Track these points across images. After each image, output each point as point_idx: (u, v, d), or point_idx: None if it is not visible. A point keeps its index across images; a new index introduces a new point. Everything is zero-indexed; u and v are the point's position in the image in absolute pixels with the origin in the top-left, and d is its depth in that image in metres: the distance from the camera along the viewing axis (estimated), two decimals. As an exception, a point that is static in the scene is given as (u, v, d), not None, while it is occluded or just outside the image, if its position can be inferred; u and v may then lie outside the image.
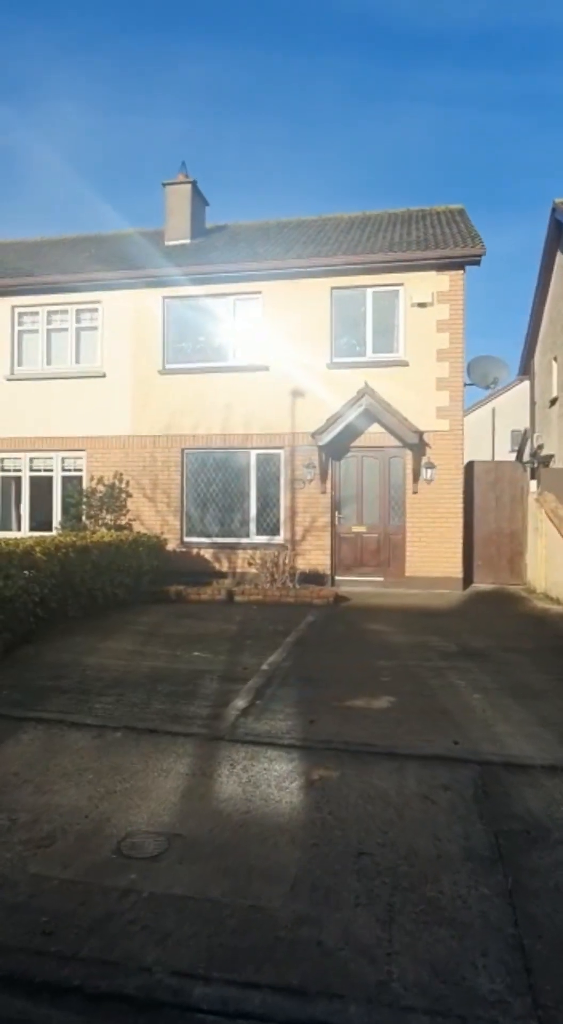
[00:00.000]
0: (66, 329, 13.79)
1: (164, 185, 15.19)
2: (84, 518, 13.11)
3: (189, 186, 15.04)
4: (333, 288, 12.57)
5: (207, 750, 4.27)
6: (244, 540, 12.93)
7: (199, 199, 15.53)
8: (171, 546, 12.94)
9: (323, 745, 4.34)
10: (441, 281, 12.16)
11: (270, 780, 3.82)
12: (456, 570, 12.11)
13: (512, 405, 32.54)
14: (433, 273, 12.18)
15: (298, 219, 16.12)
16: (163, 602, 10.29)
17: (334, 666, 6.42)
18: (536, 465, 14.59)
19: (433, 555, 12.17)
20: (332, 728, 4.67)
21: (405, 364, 12.25)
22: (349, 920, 2.57)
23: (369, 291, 12.50)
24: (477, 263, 12.04)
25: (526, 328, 19.81)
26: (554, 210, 15.81)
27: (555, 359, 16.89)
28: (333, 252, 12.67)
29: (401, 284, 12.32)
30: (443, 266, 12.09)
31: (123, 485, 13.27)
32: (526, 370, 20.73)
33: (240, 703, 5.20)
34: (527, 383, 23.11)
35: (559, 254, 16.52)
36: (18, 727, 4.68)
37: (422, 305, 12.16)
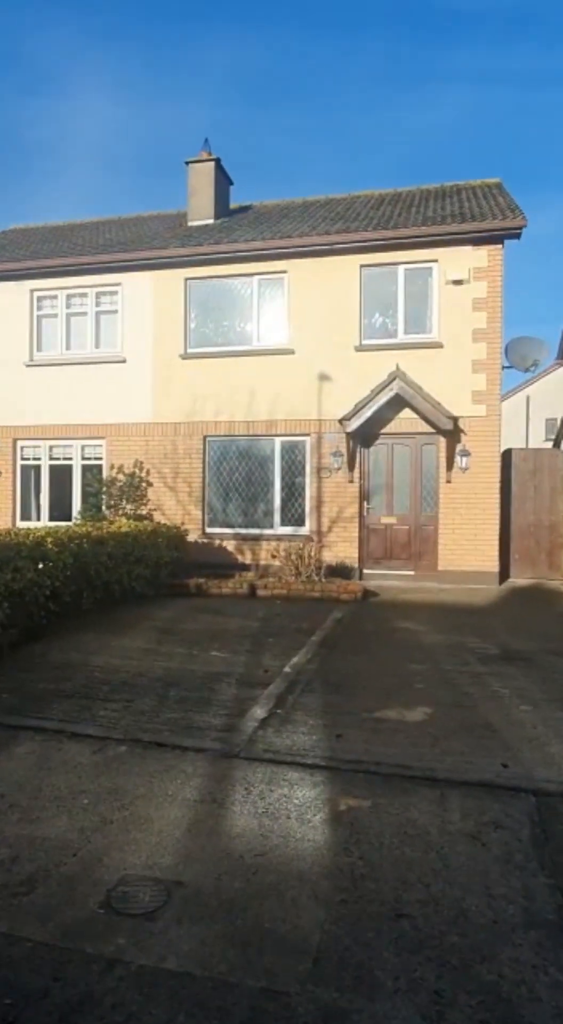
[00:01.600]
0: (85, 313, 13.36)
1: (187, 163, 14.62)
2: (104, 508, 12.73)
3: (212, 164, 14.46)
4: (362, 266, 11.91)
5: (220, 769, 3.77)
6: (268, 531, 12.41)
7: (223, 177, 14.93)
8: (192, 537, 12.48)
9: (352, 766, 3.80)
10: (478, 256, 11.42)
11: (290, 810, 3.30)
12: (492, 564, 11.43)
13: (547, 392, 31.45)
14: (469, 248, 11.45)
15: (326, 197, 15.45)
16: (183, 595, 9.83)
17: (362, 670, 5.88)
18: (576, 453, 13.77)
19: (467, 548, 11.52)
20: (361, 745, 4.13)
21: (439, 346, 11.56)
22: (386, 1015, 2.03)
23: (401, 268, 11.81)
24: (517, 236, 11.27)
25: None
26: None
27: (597, 342, 15.99)
28: (362, 227, 12.00)
29: (435, 260, 11.61)
30: (480, 240, 11.35)
31: (143, 474, 12.85)
32: (564, 354, 19.78)
33: (259, 712, 4.69)
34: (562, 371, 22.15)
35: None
36: (13, 738, 4.23)
37: (458, 283, 11.44)
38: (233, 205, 15.63)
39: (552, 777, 3.69)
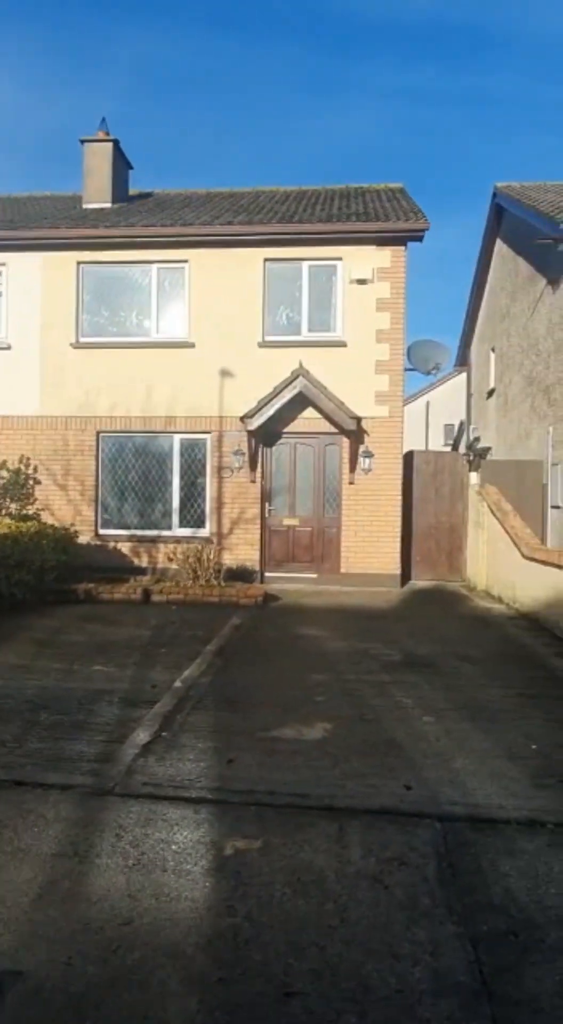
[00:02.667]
0: (-35, 294, 12.21)
1: (82, 142, 13.75)
2: (-13, 507, 11.66)
3: (110, 144, 13.67)
4: (266, 260, 11.56)
5: (88, 811, 3.22)
6: (166, 533, 11.79)
7: (121, 160, 14.17)
8: (84, 539, 11.66)
9: (242, 798, 3.36)
10: (382, 257, 11.35)
11: (167, 859, 2.81)
12: (394, 566, 11.38)
13: (446, 399, 32.47)
14: (373, 248, 11.35)
15: (230, 190, 15.02)
16: (70, 602, 9.07)
17: (260, 682, 5.46)
18: (473, 457, 14.08)
19: (370, 550, 11.41)
20: (254, 770, 3.70)
21: (343, 345, 11.39)
22: None
23: (305, 265, 11.55)
24: (420, 239, 11.30)
25: (463, 320, 19.42)
26: (495, 195, 15.34)
27: (493, 350, 16.50)
28: (267, 220, 11.65)
29: (339, 259, 11.44)
30: (384, 240, 11.28)
31: (30, 471, 11.89)
32: (463, 362, 20.37)
33: (142, 736, 4.16)
34: (461, 377, 22.89)
35: (499, 241, 16.11)
36: None
37: (361, 282, 11.32)
38: (133, 191, 14.90)
39: (457, 798, 3.40)
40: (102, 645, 6.63)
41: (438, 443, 31.50)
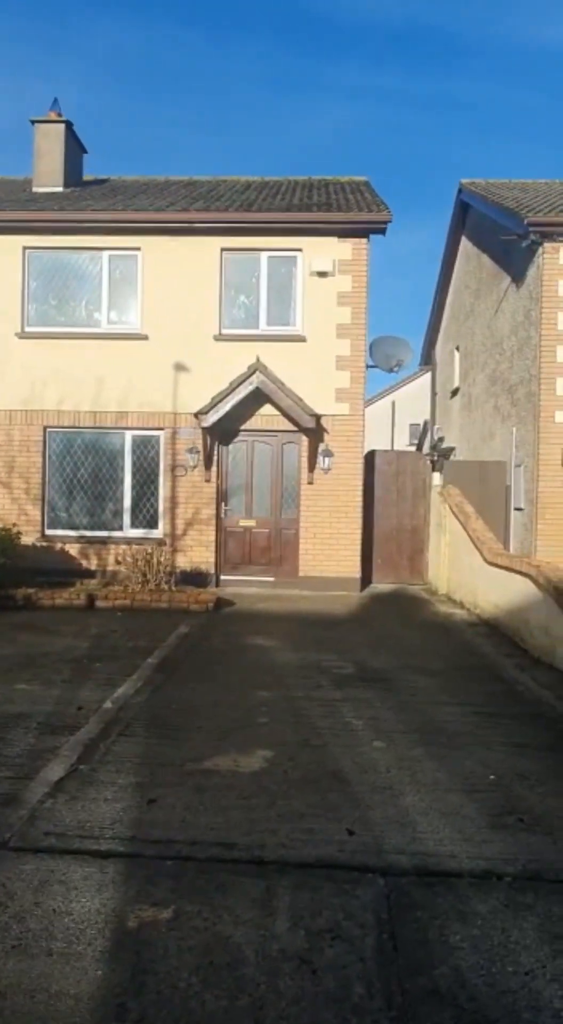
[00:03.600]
0: None
1: (33, 123, 13.04)
2: None
3: (62, 126, 12.99)
4: (223, 249, 11.07)
5: (-27, 871, 2.72)
6: (117, 534, 11.23)
7: (75, 143, 13.52)
8: (29, 540, 11.02)
9: (159, 850, 2.91)
10: (343, 249, 10.96)
11: (57, 938, 2.34)
12: (354, 569, 11.01)
13: (412, 399, 32.38)
14: (334, 240, 10.96)
15: (189, 178, 14.48)
16: (7, 609, 8.47)
17: (200, 702, 5.00)
18: (437, 458, 13.82)
19: (329, 553, 11.02)
20: (178, 813, 3.24)
21: (302, 339, 10.98)
22: None
23: (264, 255, 11.10)
24: (382, 231, 10.94)
25: (428, 319, 19.21)
26: (460, 191, 15.10)
27: (457, 349, 16.29)
28: (224, 207, 11.17)
29: (299, 250, 11.02)
30: (346, 232, 10.89)
31: (-29, 467, 11.20)
32: (427, 361, 20.16)
33: (55, 771, 3.67)
34: (427, 377, 22.66)
35: (464, 239, 15.89)
36: None
37: (322, 274, 10.91)
38: (88, 177, 14.26)
39: (404, 845, 3.00)
40: (32, 658, 6.09)
41: (404, 443, 31.40)
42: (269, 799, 3.42)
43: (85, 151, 14.15)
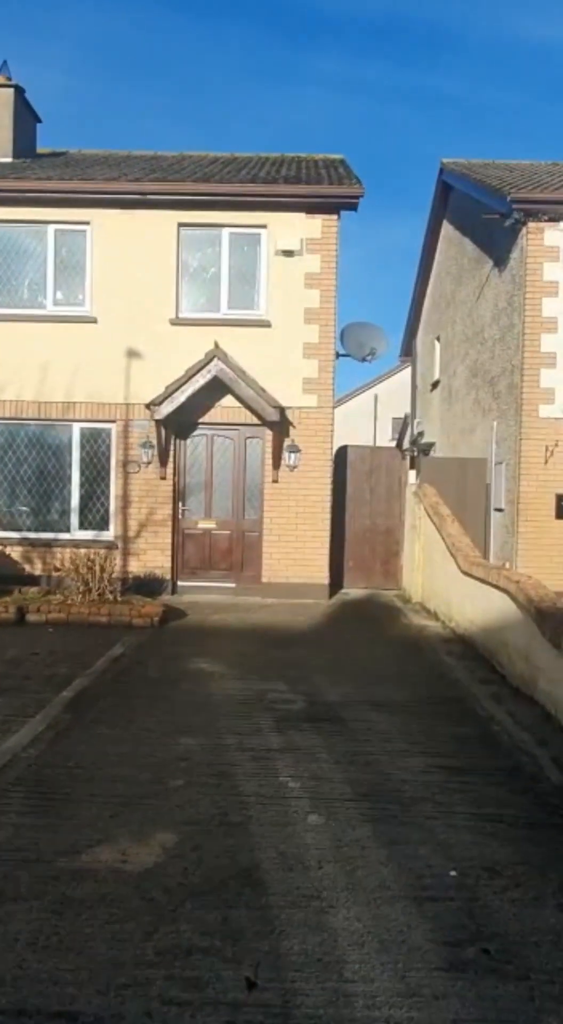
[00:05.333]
0: None
1: (-21, 87, 11.99)
2: None
3: (11, 91, 11.91)
4: (181, 225, 10.11)
5: None
6: (64, 536, 10.28)
7: (26, 112, 12.46)
8: (-33, 542, 10.07)
9: (-34, 1028, 2.01)
10: (311, 226, 10.04)
11: None
12: (321, 575, 10.14)
13: (395, 392, 31.53)
14: (302, 215, 10.04)
15: (153, 152, 13.44)
16: None
17: (106, 753, 4.10)
18: (416, 453, 12.99)
19: (296, 557, 10.14)
20: (17, 952, 2.35)
21: (266, 324, 10.06)
22: None
23: (225, 232, 10.16)
24: (354, 207, 10.04)
25: (408, 308, 18.34)
26: (441, 171, 14.20)
27: (438, 339, 15.44)
28: (182, 178, 10.21)
29: (264, 226, 10.08)
30: (314, 207, 9.98)
31: None
32: (408, 352, 19.32)
33: None
34: (410, 369, 21.82)
35: (445, 223, 15.01)
36: None
37: (288, 253, 9.99)
38: (44, 150, 13.19)
39: (322, 1007, 2.12)
40: None
41: (387, 438, 30.58)
42: (152, 921, 2.53)
43: (39, 120, 13.10)
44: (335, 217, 10.05)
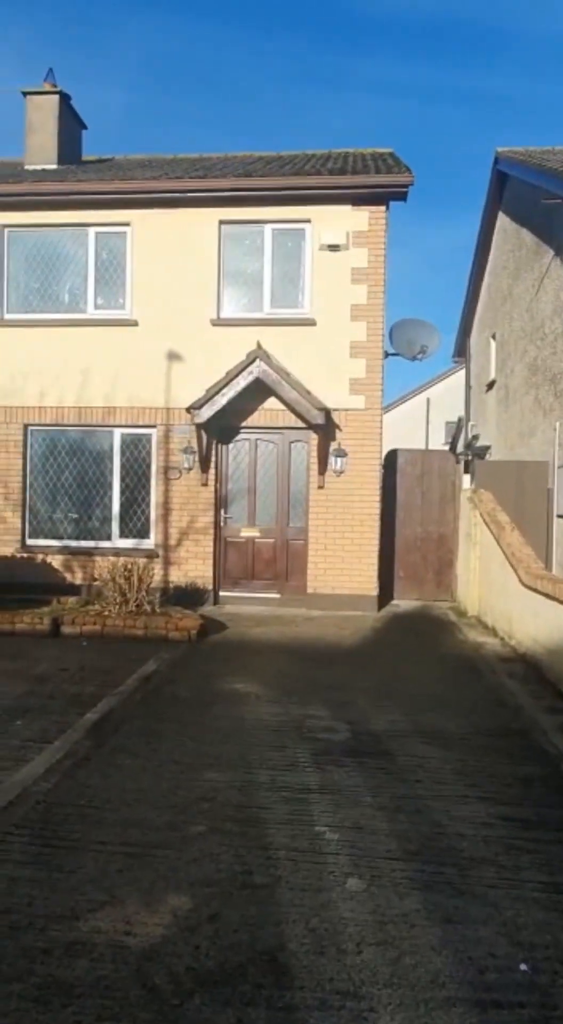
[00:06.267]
0: None
1: (24, 94, 11.97)
2: None
3: (56, 98, 11.88)
4: (222, 222, 9.78)
5: None
6: (105, 544, 10.05)
7: (71, 117, 12.40)
8: (8, 550, 9.96)
9: None
10: (358, 218, 9.55)
11: None
12: (370, 586, 9.59)
13: (448, 395, 30.60)
14: (348, 208, 9.56)
15: (198, 155, 13.22)
16: (-42, 635, 7.33)
17: (124, 790, 3.69)
18: (470, 457, 12.29)
19: (343, 567, 9.63)
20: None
21: (311, 323, 9.61)
22: None
23: (268, 228, 9.77)
24: (403, 197, 9.49)
25: (462, 308, 17.60)
26: (496, 161, 13.49)
27: (493, 337, 14.67)
28: (223, 174, 9.87)
29: (308, 221, 9.65)
30: (361, 199, 9.49)
31: (-54, 470, 10.16)
32: (461, 352, 18.56)
33: None
34: (463, 372, 21.02)
35: (500, 215, 14.26)
36: None
37: (334, 248, 9.53)
38: (90, 156, 13.12)
39: None
40: None
41: (439, 442, 29.65)
42: (150, 1021, 2.08)
43: (84, 127, 13.02)
44: (383, 208, 9.53)
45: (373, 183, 9.32)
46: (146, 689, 5.55)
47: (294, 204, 9.58)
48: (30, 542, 10.14)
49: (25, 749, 4.20)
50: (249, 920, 2.58)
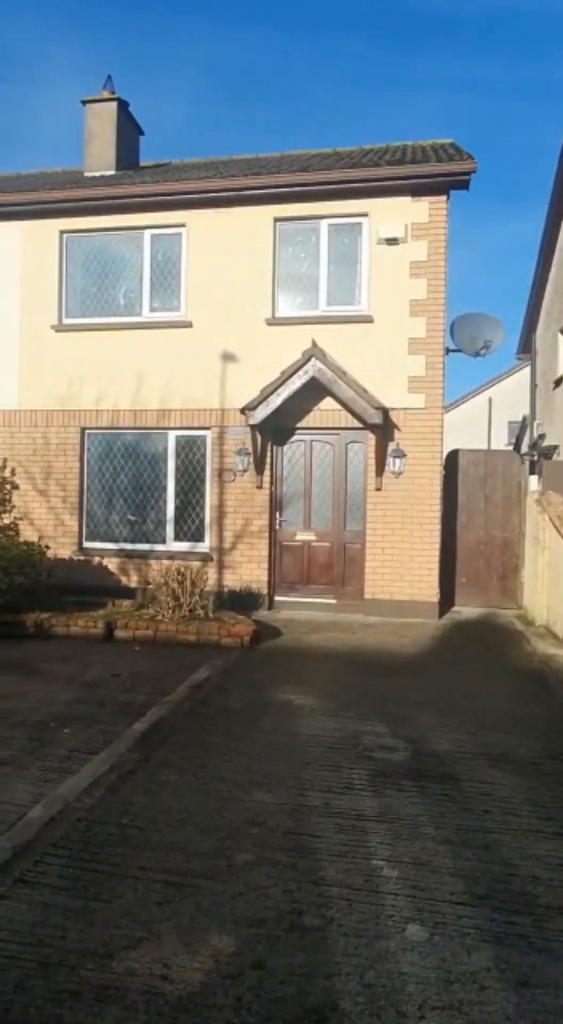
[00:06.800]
0: None
1: (84, 103, 12.11)
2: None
3: (114, 104, 11.96)
4: (277, 219, 9.59)
5: None
6: (159, 547, 10.00)
7: (129, 123, 12.47)
8: (66, 553, 10.03)
9: None
10: (417, 210, 9.19)
11: None
12: (430, 592, 9.19)
13: (511, 394, 29.58)
14: (407, 199, 9.21)
15: (254, 155, 13.08)
16: (13, 637, 7.36)
17: (168, 809, 3.49)
18: (536, 457, 11.69)
19: (401, 572, 9.26)
20: None
21: (368, 320, 9.30)
22: None
23: (324, 224, 9.52)
24: (465, 185, 9.07)
25: (527, 301, 16.87)
26: (564, 147, 12.82)
27: (562, 332, 13.97)
28: (278, 171, 9.68)
29: (365, 214, 9.35)
30: (420, 189, 9.12)
31: (8, 474, 10.34)
32: (526, 348, 17.79)
33: None
34: (528, 370, 20.19)
35: (570, 202, 13.56)
36: None
37: (392, 241, 9.20)
38: (148, 162, 13.18)
39: None
40: (-8, 717, 4.82)
41: (501, 443, 28.69)
42: None
43: (141, 132, 13.09)
44: (444, 198, 9.13)
45: (433, 171, 8.93)
46: (196, 698, 5.37)
47: (351, 197, 9.30)
48: (87, 545, 10.19)
49: (70, 760, 4.07)
50: (297, 969, 2.33)
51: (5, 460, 10.34)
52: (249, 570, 9.65)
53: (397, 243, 9.18)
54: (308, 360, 8.91)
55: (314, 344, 9.04)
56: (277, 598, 9.67)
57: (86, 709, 5.04)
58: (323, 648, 7.32)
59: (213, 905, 2.68)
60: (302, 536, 9.70)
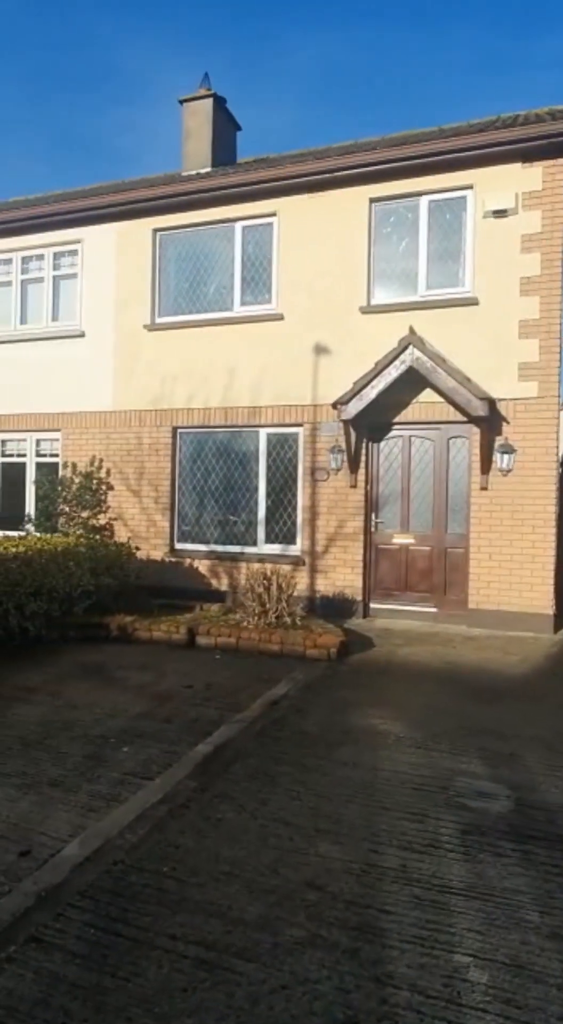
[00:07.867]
0: (42, 279, 11.03)
1: (181, 103, 12.04)
2: (60, 516, 10.33)
3: (210, 101, 11.79)
4: (372, 200, 8.96)
5: None
6: (250, 550, 9.65)
7: (225, 119, 12.26)
8: (158, 554, 9.92)
9: None
10: (530, 176, 8.24)
11: None
12: (544, 602, 8.21)
13: None
14: (518, 166, 8.29)
15: (353, 141, 12.49)
16: (97, 640, 7.23)
17: (215, 858, 3.02)
18: None
19: (510, 579, 8.34)
20: None
21: (473, 302, 8.46)
22: None
23: (424, 200, 8.78)
24: (586, 144, 8.01)
25: None
26: None
27: None
28: (372, 147, 9.05)
29: (469, 187, 8.52)
30: (532, 152, 8.17)
31: (102, 474, 10.39)
32: None
33: None
34: None
35: None
36: None
37: (500, 214, 8.31)
38: (247, 159, 12.94)
39: None
40: (48, 730, 4.57)
41: None
42: None
43: (238, 128, 12.85)
44: (559, 160, 8.12)
45: (549, 131, 7.95)
46: (270, 718, 4.89)
47: (453, 169, 8.50)
48: (178, 546, 10.03)
49: (123, 785, 3.71)
50: None
51: (101, 461, 10.40)
52: (342, 575, 9.09)
53: (506, 215, 8.28)
54: (405, 348, 8.22)
55: (412, 331, 8.34)
56: (372, 605, 9.04)
57: (150, 726, 4.70)
58: (418, 664, 6.62)
59: (247, 1001, 2.17)
60: (400, 539, 9.01)
